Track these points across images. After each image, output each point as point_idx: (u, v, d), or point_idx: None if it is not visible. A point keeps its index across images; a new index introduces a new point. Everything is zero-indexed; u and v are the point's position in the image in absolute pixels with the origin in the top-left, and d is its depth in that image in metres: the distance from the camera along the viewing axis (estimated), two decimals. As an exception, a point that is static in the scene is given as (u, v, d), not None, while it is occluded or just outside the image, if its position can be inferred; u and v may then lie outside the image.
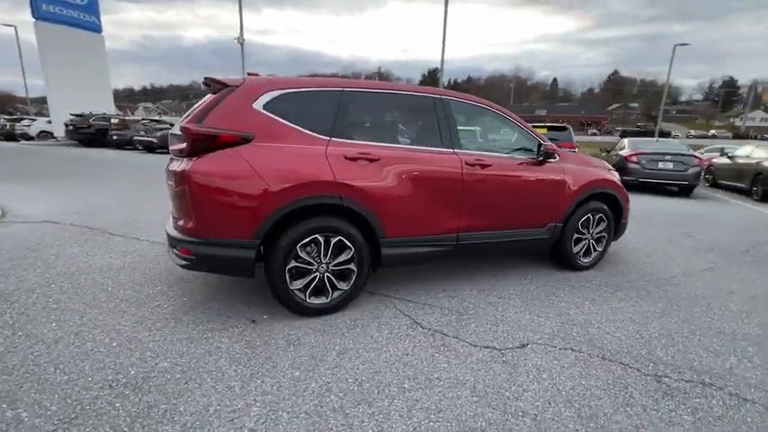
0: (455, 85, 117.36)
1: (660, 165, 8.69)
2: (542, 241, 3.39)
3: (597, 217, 3.60)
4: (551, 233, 3.39)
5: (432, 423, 1.70)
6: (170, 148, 2.61)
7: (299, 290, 2.49)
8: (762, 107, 79.61)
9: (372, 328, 2.48)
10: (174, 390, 1.85)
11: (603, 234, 3.70)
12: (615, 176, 3.79)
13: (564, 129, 10.10)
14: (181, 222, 2.36)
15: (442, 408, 1.80)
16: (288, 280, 2.44)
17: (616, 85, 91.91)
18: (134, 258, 3.52)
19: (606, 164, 3.89)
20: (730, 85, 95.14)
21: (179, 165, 2.33)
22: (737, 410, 1.86)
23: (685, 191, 9.10)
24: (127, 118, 19.91)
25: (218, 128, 2.26)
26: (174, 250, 2.41)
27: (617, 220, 3.78)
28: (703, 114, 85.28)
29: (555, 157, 3.30)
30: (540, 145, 3.21)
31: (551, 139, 3.71)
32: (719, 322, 2.75)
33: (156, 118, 18.86)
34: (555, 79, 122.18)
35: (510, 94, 79.52)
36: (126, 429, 1.59)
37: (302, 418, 1.71)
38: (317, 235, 2.44)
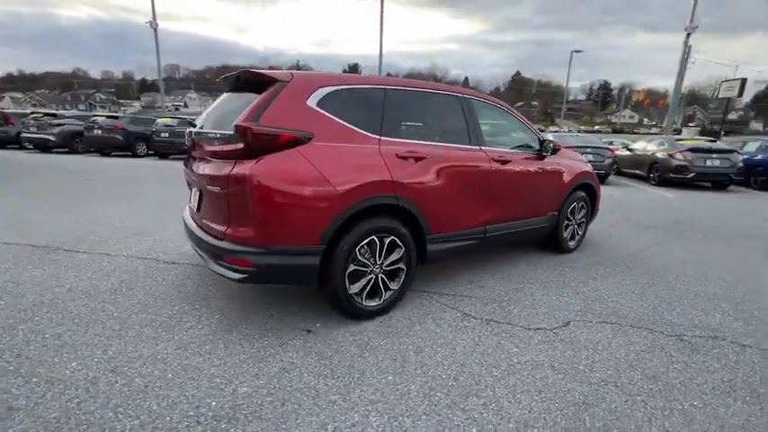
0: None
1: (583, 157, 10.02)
2: (544, 229, 3.73)
3: (580, 205, 4.07)
4: (551, 221, 3.75)
5: (540, 403, 1.83)
6: (202, 149, 2.36)
7: (356, 293, 2.42)
8: (629, 107, 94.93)
9: (430, 324, 2.52)
10: (276, 414, 1.70)
11: (584, 219, 4.21)
12: (591, 168, 4.32)
13: None
14: (232, 230, 2.13)
15: (539, 388, 1.94)
16: (347, 284, 2.35)
17: (519, 85, 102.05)
18: (122, 277, 3.04)
19: (582, 157, 4.41)
20: (605, 87, 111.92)
21: (228, 167, 2.09)
22: (744, 354, 2.32)
23: (602, 179, 10.61)
24: (6, 110, 16.46)
25: (279, 127, 2.08)
26: (223, 262, 2.16)
27: (593, 207, 4.31)
28: (587, 112, 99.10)
29: (555, 153, 3.65)
30: (542, 141, 3.52)
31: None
32: (692, 287, 3.34)
33: (53, 111, 15.91)
34: (466, 78, 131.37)
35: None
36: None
37: (424, 419, 1.70)
38: (373, 236, 2.39)
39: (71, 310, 2.50)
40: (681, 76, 19.74)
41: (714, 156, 9.49)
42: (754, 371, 2.15)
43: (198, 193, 2.50)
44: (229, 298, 2.78)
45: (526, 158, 3.43)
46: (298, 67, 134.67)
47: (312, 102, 2.23)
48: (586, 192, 4.14)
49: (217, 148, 2.22)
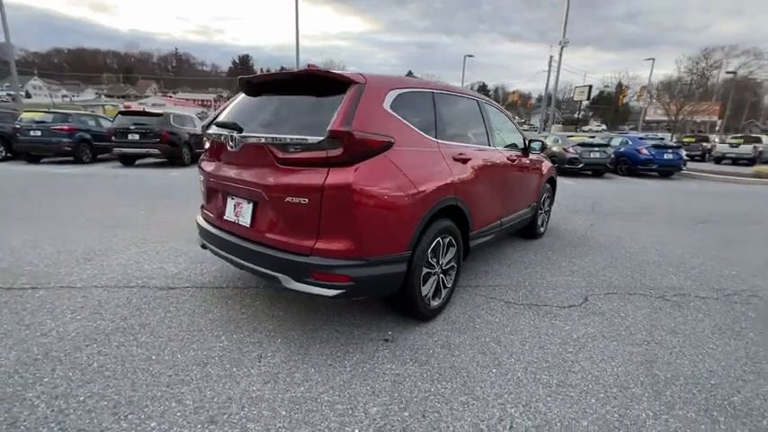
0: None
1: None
2: (528, 219, 4.20)
3: (548, 195, 4.68)
4: (533, 211, 4.24)
5: (619, 367, 2.15)
6: (255, 155, 2.09)
7: (426, 295, 2.44)
8: (504, 106, 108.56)
9: (486, 316, 2.69)
10: (425, 427, 1.67)
11: (549, 208, 4.84)
12: (550, 163, 4.98)
13: None
14: (324, 244, 1.95)
15: (609, 355, 2.26)
16: (422, 287, 2.36)
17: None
18: (121, 314, 2.49)
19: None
20: (483, 88, 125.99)
21: (318, 175, 1.91)
22: (708, 304, 3.03)
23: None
24: None
25: (372, 132, 1.97)
26: (310, 279, 1.97)
27: (553, 196, 4.99)
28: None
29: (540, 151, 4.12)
30: (530, 140, 3.95)
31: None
32: (640, 256, 4.14)
33: None
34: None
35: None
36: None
37: (551, 401, 1.86)
38: (438, 237, 2.44)
39: (86, 362, 1.99)
40: (555, 80, 23.49)
41: (595, 149, 11.65)
42: (725, 316, 2.84)
43: (250, 205, 2.21)
44: (274, 318, 2.52)
45: (520, 156, 3.82)
46: (177, 56, 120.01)
47: (387, 105, 2.17)
48: (551, 184, 4.78)
49: (296, 155, 1.99)
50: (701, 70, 49.09)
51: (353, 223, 1.93)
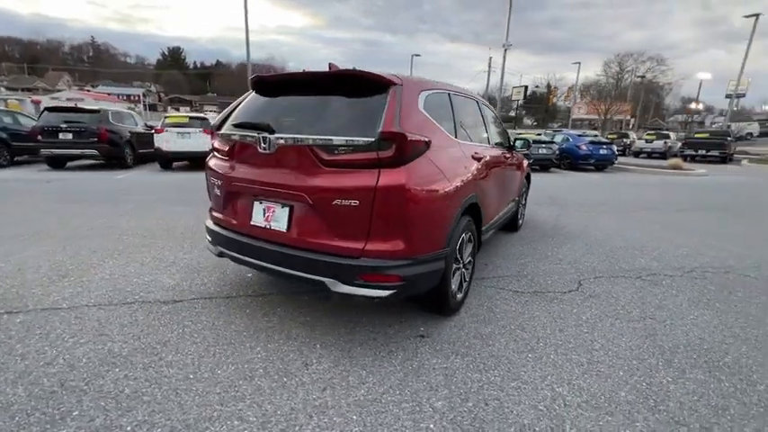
0: (204, 69, 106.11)
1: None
2: (513, 213, 4.47)
3: (524, 190, 5.01)
4: (516, 206, 4.52)
5: (632, 341, 2.40)
6: (291, 156, 2.03)
7: (453, 290, 2.53)
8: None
9: (503, 306, 2.84)
10: (493, 413, 1.76)
11: (525, 202, 5.18)
12: (525, 160, 5.32)
13: None
14: (375, 245, 1.95)
15: (618, 332, 2.52)
16: (452, 283, 2.45)
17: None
18: (131, 332, 2.27)
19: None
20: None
21: (368, 177, 1.91)
22: (676, 281, 3.48)
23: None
24: None
25: (416, 133, 1.99)
26: (361, 281, 1.96)
27: (528, 192, 5.35)
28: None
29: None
30: (514, 139, 4.20)
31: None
32: (609, 243, 4.61)
33: None
34: (304, 71, 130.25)
35: (270, 83, 79.49)
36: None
37: (588, 378, 2.04)
38: (463, 234, 2.54)
39: (116, 389, 1.80)
40: (501, 81, 24.86)
41: (542, 146, 12.59)
42: (692, 290, 3.28)
43: (285, 209, 2.13)
44: (303, 324, 2.45)
45: (509, 154, 4.05)
46: (94, 46, 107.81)
47: (421, 106, 2.21)
48: (527, 180, 5.12)
49: (343, 156, 1.94)
50: (616, 74, 55.09)
51: (405, 223, 1.96)
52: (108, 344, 2.16)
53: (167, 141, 9.87)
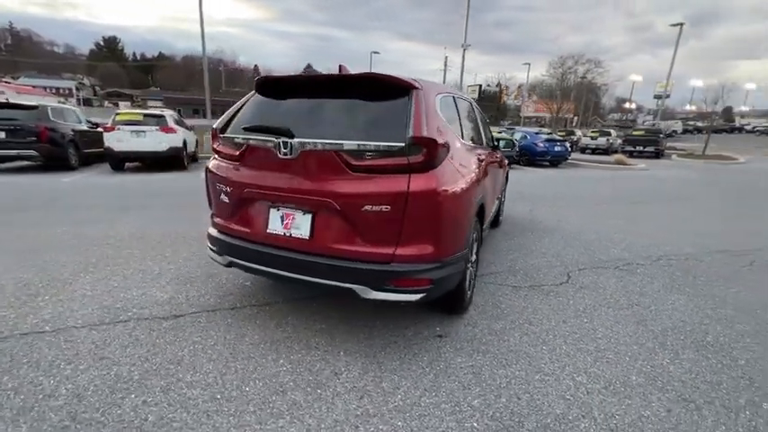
0: (145, 61, 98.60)
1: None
2: (497, 210, 4.64)
3: (503, 188, 5.22)
4: (499, 202, 4.70)
5: (628, 327, 2.61)
6: (314, 162, 2.00)
7: (466, 289, 2.59)
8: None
9: (506, 301, 2.95)
10: (523, 406, 1.83)
11: (504, 198, 5.40)
12: (502, 159, 5.53)
13: None
14: (405, 249, 1.95)
15: (616, 320, 2.72)
16: (466, 281, 2.51)
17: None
18: (138, 354, 2.10)
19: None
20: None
21: (399, 181, 1.90)
22: (650, 268, 3.81)
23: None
24: None
25: (440, 136, 2.00)
26: (391, 286, 1.95)
27: (506, 189, 5.57)
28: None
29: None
30: (498, 139, 4.36)
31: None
32: (582, 236, 4.93)
33: None
34: (256, 66, 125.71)
35: (221, 77, 75.72)
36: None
37: (602, 364, 2.19)
38: (474, 233, 2.60)
39: (139, 417, 1.66)
40: (460, 80, 25.51)
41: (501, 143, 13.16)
42: (664, 277, 3.61)
43: (307, 216, 2.06)
44: (320, 332, 2.40)
45: (495, 153, 4.20)
46: (13, 32, 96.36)
47: (438, 110, 2.22)
48: (506, 178, 5.33)
49: (372, 161, 1.91)
50: (560, 75, 58.79)
51: (435, 227, 1.98)
52: (113, 368, 1.98)
53: (119, 140, 9.09)
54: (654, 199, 8.05)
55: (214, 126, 2.43)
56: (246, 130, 2.19)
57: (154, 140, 9.33)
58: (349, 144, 1.93)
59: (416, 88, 2.09)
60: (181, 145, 9.93)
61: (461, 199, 2.18)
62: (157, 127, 9.38)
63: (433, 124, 2.06)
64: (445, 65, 36.62)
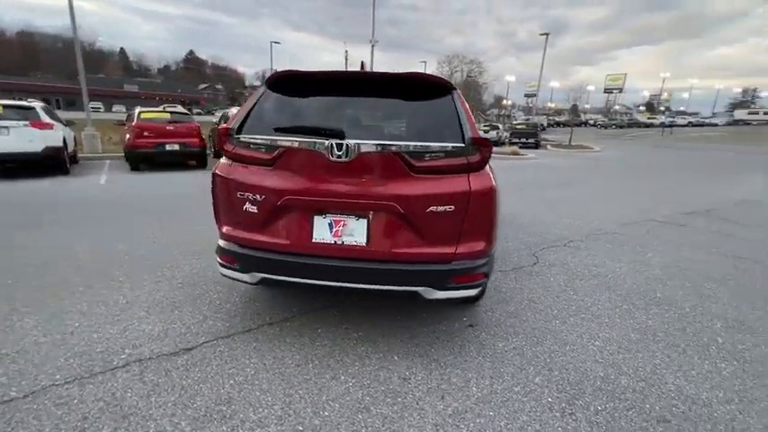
0: (-43, 36, 76.14)
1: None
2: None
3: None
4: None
5: (614, 289, 3.10)
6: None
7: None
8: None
9: (503, 285, 3.22)
10: (573, 374, 2.07)
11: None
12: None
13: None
14: (465, 247, 2.00)
15: (602, 287, 3.20)
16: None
17: (195, 65, 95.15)
18: (167, 401, 1.74)
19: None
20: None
21: (459, 181, 1.94)
22: (615, 241, 4.53)
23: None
24: None
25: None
26: (453, 284, 1.99)
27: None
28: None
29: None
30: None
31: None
32: (543, 217, 5.58)
33: None
34: (122, 49, 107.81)
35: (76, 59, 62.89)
36: None
37: (618, 323, 2.58)
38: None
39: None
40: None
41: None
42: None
43: (362, 221, 1.95)
44: (361, 340, 2.31)
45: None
46: None
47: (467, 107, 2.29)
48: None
49: (433, 162, 1.89)
50: (448, 74, 64.06)
51: (489, 223, 2.07)
52: (150, 425, 1.61)
53: (-34, 140, 7.02)
54: (557, 184, 9.45)
55: (229, 125, 2.10)
56: (280, 131, 1.96)
57: (21, 139, 7.43)
58: (413, 145, 1.89)
59: (455, 88, 2.14)
60: (61, 144, 8.11)
61: (498, 195, 2.31)
62: (26, 122, 7.49)
63: (475, 124, 2.14)
64: (346, 59, 36.69)
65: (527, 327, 2.57)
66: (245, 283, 2.15)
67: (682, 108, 74.44)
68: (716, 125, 52.92)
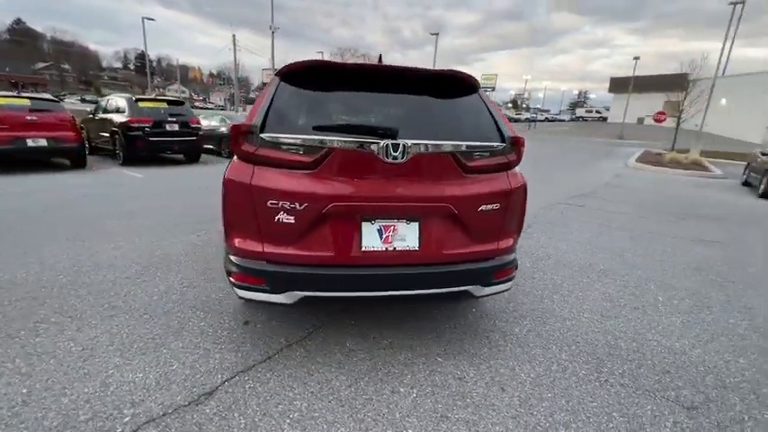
0: None
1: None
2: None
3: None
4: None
5: (596, 252, 3.55)
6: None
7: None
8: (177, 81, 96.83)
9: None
10: (600, 339, 2.35)
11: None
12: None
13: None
14: (504, 243, 2.08)
15: (588, 249, 3.63)
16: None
17: (28, 38, 75.33)
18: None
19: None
20: (143, 57, 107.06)
21: (502, 179, 2.00)
22: (575, 210, 5.10)
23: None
24: None
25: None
26: (495, 280, 2.04)
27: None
28: (136, 83, 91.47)
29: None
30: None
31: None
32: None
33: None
34: None
35: None
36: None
37: (622, 285, 2.97)
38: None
39: None
40: (272, 63, 23.82)
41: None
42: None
43: (413, 224, 1.85)
44: (395, 347, 2.22)
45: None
46: None
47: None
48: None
49: (481, 162, 1.88)
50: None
51: (521, 218, 2.17)
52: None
53: None
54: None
55: (247, 122, 1.75)
56: (321, 129, 1.72)
57: None
58: (465, 145, 1.86)
59: (478, 87, 2.16)
60: None
61: None
62: None
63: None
64: (234, 44, 33.61)
65: (527, 309, 2.79)
66: (277, 305, 1.86)
67: (538, 106, 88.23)
68: (564, 120, 64.17)
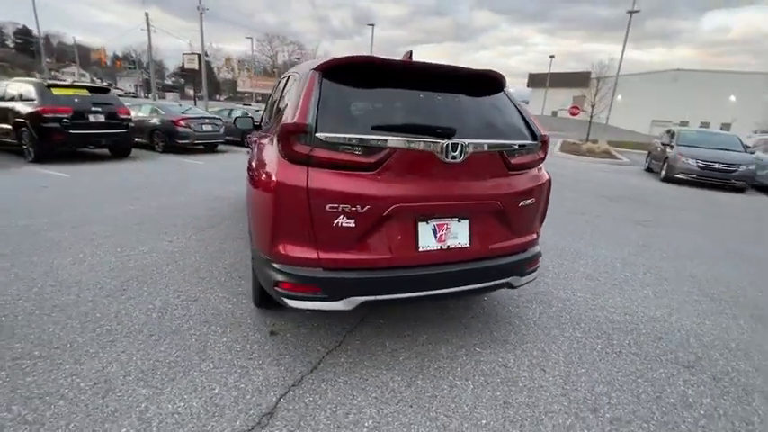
0: None
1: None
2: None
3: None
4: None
5: (594, 234, 3.87)
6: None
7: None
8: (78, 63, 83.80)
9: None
10: (624, 319, 2.61)
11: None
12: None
13: None
14: (535, 235, 2.22)
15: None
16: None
17: None
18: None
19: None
20: (26, 33, 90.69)
21: (534, 175, 2.13)
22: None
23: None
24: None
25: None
26: (529, 270, 2.19)
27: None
28: (20, 65, 77.21)
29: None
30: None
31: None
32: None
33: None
34: None
35: None
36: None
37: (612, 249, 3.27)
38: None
39: None
40: (201, 49, 21.73)
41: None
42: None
43: (464, 222, 1.89)
44: (434, 341, 2.25)
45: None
46: None
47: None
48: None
49: (521, 159, 1.99)
50: (272, 53, 61.18)
51: (545, 211, 2.31)
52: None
53: None
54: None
55: (299, 121, 1.61)
56: (381, 129, 1.66)
57: None
58: (510, 143, 1.93)
59: (504, 84, 2.24)
60: None
61: None
62: None
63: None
64: (148, 25, 30.04)
65: (530, 293, 3.01)
66: (333, 311, 1.77)
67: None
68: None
